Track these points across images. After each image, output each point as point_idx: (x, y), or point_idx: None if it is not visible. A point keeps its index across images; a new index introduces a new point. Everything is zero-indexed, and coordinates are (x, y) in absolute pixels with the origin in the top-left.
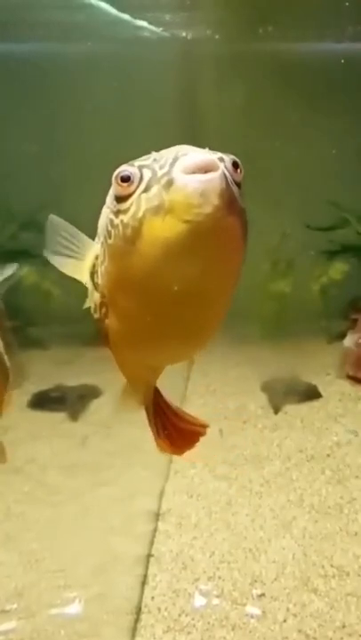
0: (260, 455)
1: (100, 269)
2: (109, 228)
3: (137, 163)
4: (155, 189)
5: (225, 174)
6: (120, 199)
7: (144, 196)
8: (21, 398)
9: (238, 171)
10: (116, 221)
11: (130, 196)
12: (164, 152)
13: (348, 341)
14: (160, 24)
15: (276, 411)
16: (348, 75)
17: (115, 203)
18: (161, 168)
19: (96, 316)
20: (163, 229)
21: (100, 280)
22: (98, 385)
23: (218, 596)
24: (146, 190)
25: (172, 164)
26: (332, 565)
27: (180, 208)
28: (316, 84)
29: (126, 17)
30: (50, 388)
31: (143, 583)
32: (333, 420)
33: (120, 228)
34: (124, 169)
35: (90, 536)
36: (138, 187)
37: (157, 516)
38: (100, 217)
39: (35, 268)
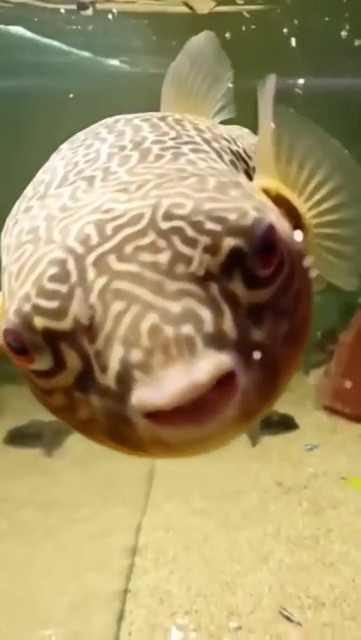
0: (237, 488)
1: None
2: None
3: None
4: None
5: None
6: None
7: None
8: None
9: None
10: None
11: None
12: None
13: (313, 379)
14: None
15: (254, 443)
16: (312, 108)
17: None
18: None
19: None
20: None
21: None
22: None
23: (195, 630)
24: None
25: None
26: (308, 596)
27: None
28: None
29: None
30: (25, 424)
31: (120, 619)
32: (310, 452)
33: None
34: (12, 327)
35: (66, 574)
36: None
37: (134, 551)
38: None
39: None
